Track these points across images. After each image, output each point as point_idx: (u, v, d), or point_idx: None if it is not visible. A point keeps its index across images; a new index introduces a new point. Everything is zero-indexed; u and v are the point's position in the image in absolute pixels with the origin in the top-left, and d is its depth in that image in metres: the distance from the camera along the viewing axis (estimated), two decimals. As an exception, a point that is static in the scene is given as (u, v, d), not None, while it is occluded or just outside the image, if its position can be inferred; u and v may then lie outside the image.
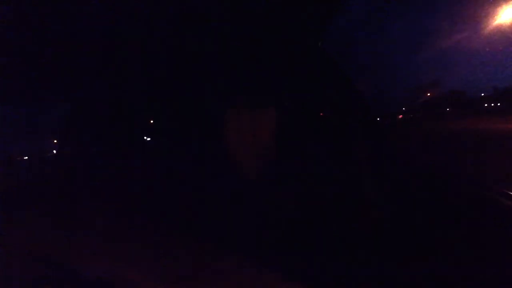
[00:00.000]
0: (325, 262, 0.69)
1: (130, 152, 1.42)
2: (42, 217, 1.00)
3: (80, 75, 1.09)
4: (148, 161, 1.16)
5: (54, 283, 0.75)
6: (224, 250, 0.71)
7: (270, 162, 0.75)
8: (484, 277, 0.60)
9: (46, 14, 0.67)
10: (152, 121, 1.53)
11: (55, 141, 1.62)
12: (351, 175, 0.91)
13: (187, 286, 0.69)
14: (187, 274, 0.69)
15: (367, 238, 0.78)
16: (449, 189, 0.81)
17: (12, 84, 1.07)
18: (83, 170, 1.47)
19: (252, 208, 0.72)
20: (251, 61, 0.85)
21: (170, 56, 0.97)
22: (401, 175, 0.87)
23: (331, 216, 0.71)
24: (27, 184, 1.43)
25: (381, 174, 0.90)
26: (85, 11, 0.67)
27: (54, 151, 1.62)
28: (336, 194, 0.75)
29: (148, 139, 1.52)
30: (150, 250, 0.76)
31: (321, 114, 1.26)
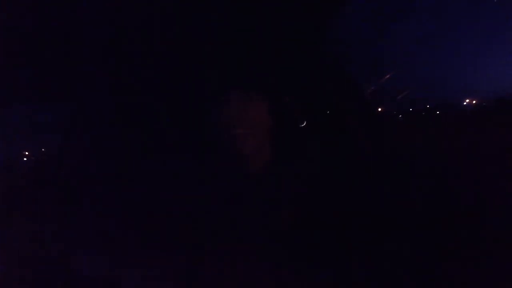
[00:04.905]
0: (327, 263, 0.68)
1: (131, 151, 1.41)
2: (42, 218, 1.00)
3: (82, 75, 1.08)
4: (146, 161, 1.15)
5: (54, 283, 0.74)
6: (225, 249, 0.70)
7: (269, 159, 0.74)
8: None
9: (47, 13, 0.66)
10: (152, 120, 1.52)
11: (57, 141, 1.61)
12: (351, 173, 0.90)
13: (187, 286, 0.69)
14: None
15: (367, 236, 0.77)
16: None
17: (13, 84, 1.06)
18: (84, 171, 1.46)
19: (250, 207, 0.71)
20: (248, 54, 0.84)
21: (170, 53, 0.96)
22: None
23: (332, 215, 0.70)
24: (28, 184, 1.42)
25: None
26: (88, 10, 0.66)
27: (55, 151, 1.61)
28: (337, 193, 0.73)
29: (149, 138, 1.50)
30: (150, 251, 0.75)
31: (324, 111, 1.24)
